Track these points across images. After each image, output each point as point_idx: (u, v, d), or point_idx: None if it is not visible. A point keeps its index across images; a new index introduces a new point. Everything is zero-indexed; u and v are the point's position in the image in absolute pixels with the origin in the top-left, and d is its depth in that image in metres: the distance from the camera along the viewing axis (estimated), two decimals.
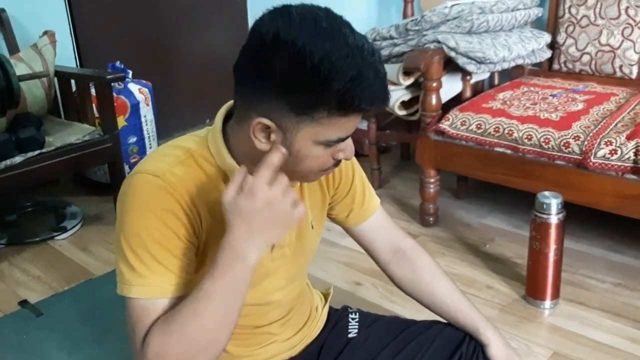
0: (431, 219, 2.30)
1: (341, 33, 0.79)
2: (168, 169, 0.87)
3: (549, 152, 1.88)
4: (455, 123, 2.09)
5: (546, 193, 1.70)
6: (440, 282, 1.15)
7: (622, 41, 2.30)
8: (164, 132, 2.82)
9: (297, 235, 1.02)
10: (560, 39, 2.45)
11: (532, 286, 1.78)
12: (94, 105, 2.43)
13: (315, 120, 0.81)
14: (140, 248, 0.84)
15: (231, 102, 0.98)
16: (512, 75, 2.58)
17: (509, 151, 1.98)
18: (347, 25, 0.82)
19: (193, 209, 0.87)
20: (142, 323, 0.83)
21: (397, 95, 2.28)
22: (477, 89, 2.50)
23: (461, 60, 2.13)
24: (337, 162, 0.90)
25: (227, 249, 0.80)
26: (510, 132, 1.96)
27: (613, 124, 1.87)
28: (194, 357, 0.81)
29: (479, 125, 2.03)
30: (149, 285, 0.84)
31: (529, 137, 1.92)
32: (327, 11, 0.82)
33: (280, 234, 0.83)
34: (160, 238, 0.84)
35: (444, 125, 2.10)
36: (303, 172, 0.89)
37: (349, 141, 0.88)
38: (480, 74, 2.35)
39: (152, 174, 0.86)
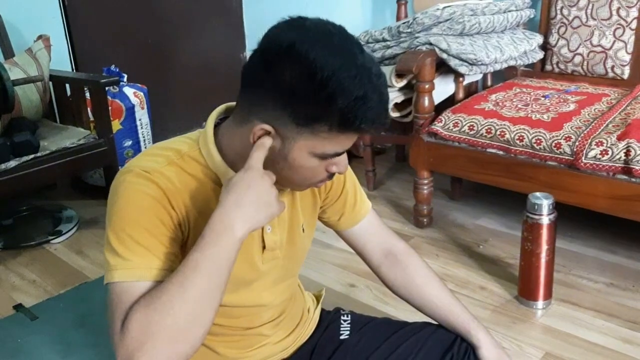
0: (425, 220, 2.31)
1: (352, 52, 0.82)
2: (158, 168, 0.87)
3: (540, 153, 1.89)
4: (447, 125, 2.10)
5: (537, 194, 1.72)
6: (431, 284, 1.16)
7: (614, 42, 2.31)
8: (160, 136, 2.82)
9: (288, 238, 1.03)
10: (552, 40, 2.46)
11: (525, 287, 1.79)
12: (89, 109, 2.44)
13: (314, 133, 0.83)
14: (124, 234, 0.83)
15: (224, 105, 0.99)
16: (505, 76, 2.59)
17: (501, 152, 1.99)
18: (358, 45, 0.84)
19: (181, 207, 0.87)
20: (122, 304, 0.79)
21: (390, 97, 2.28)
22: (471, 90, 2.51)
23: (453, 62, 2.14)
24: (330, 176, 0.92)
25: (216, 221, 0.80)
26: (502, 134, 1.97)
27: (604, 125, 1.88)
28: (179, 334, 0.75)
29: (471, 127, 2.04)
30: (132, 268, 0.82)
31: (521, 138, 1.93)
32: (341, 29, 0.84)
33: (263, 220, 0.83)
34: (147, 224, 0.84)
35: (437, 127, 2.11)
36: (295, 181, 0.91)
37: (344, 156, 0.90)
38: (472, 76, 2.36)
39: (142, 169, 0.87)
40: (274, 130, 0.84)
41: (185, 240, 0.90)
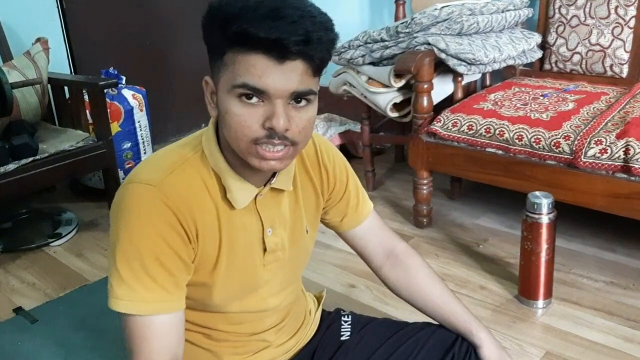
0: (425, 220, 2.31)
1: None
2: (163, 177, 0.87)
3: (539, 152, 1.89)
4: (446, 124, 2.10)
5: (537, 193, 1.71)
6: (432, 284, 1.16)
7: (612, 40, 2.31)
8: (159, 138, 2.83)
9: (291, 240, 1.02)
10: (551, 39, 2.46)
11: (525, 286, 1.79)
12: (87, 111, 2.43)
13: (224, 63, 0.81)
14: (136, 262, 0.84)
15: None
16: (503, 76, 2.59)
17: (500, 152, 1.99)
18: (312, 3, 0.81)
19: (188, 217, 0.87)
20: (147, 340, 0.84)
21: (389, 97, 2.29)
22: (470, 90, 2.51)
23: (452, 62, 2.14)
24: (270, 135, 0.82)
25: None
26: (501, 133, 1.97)
27: (603, 123, 1.88)
28: None
29: (470, 126, 2.04)
30: (140, 301, 0.84)
31: (520, 137, 1.93)
32: None
33: None
34: (158, 253, 0.84)
35: (436, 126, 2.11)
36: (231, 137, 0.84)
37: (278, 107, 0.80)
38: (471, 75, 2.36)
39: (146, 183, 0.86)
40: (211, 80, 0.87)
41: (195, 254, 0.90)
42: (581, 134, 1.83)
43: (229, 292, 0.96)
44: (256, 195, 0.94)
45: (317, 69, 0.82)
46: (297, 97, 0.82)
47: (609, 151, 1.76)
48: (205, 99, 0.89)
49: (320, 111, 3.16)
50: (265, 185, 0.95)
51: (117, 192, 0.89)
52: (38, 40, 2.50)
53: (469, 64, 2.16)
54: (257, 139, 0.82)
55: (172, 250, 0.86)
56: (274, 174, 0.95)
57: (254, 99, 0.80)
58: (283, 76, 0.79)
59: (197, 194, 0.89)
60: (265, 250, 0.98)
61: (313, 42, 0.77)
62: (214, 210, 0.91)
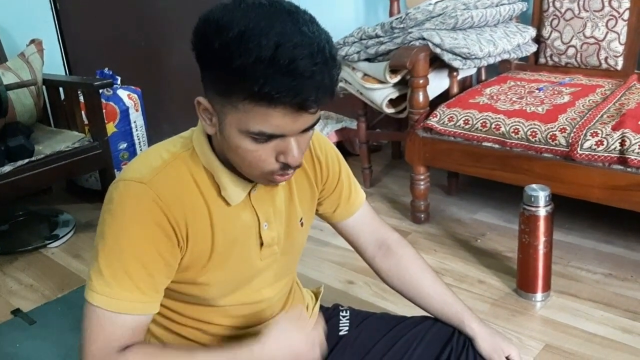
0: (422, 216, 2.31)
1: (276, 16, 0.75)
2: (154, 175, 0.87)
3: (536, 145, 1.89)
4: (442, 119, 2.10)
5: (534, 186, 1.71)
6: (424, 275, 1.16)
7: (607, 33, 2.31)
8: (155, 138, 2.79)
9: (287, 233, 1.02)
10: (546, 32, 2.46)
11: (523, 279, 1.79)
12: (83, 112, 2.43)
13: (235, 105, 0.78)
14: (116, 260, 0.84)
15: None
16: (499, 70, 2.59)
17: (496, 146, 1.99)
18: (311, 21, 0.78)
19: (178, 215, 0.87)
20: (105, 333, 0.84)
21: (385, 93, 2.29)
22: (465, 84, 2.51)
23: (447, 57, 2.14)
24: (284, 167, 0.84)
25: (252, 353, 0.87)
26: (498, 127, 1.97)
27: (599, 115, 1.88)
28: None
29: (466, 121, 2.04)
30: (116, 298, 0.84)
31: (516, 131, 1.93)
32: (289, 3, 0.79)
33: None
34: (141, 254, 0.84)
35: (432, 122, 2.11)
36: (244, 167, 0.85)
37: (292, 144, 0.81)
38: (466, 70, 2.36)
39: (137, 180, 0.86)
40: (209, 105, 0.83)
41: (182, 255, 0.90)
42: (577, 126, 1.83)
43: (225, 287, 0.96)
44: (250, 191, 0.94)
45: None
46: (307, 128, 0.83)
47: (605, 143, 1.76)
48: (199, 115, 0.86)
49: None
50: None
51: (108, 188, 0.89)
52: (32, 41, 2.50)
53: (464, 58, 2.16)
54: (272, 171, 0.84)
55: (157, 252, 0.85)
56: None
57: (268, 140, 0.81)
58: (299, 122, 0.80)
59: (188, 191, 0.89)
60: (262, 244, 0.98)
61: (328, 90, 0.78)
62: (205, 208, 0.90)
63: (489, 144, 2.01)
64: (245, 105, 0.77)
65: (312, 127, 0.83)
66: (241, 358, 0.87)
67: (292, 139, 0.81)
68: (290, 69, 0.73)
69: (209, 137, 0.91)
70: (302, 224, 1.06)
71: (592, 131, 1.79)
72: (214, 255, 0.92)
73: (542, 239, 1.70)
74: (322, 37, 0.77)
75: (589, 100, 2.04)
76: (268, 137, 0.80)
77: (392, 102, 2.33)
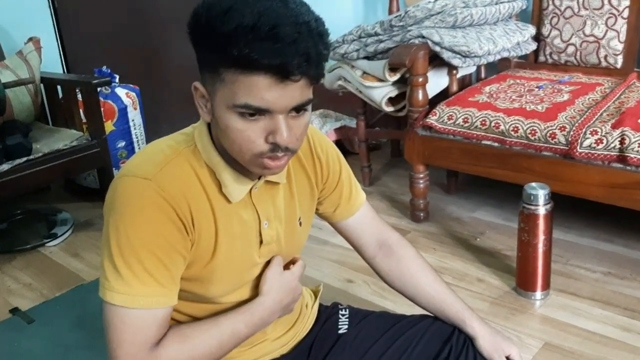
0: (422, 214, 2.30)
1: (280, 0, 0.77)
2: (157, 170, 0.86)
3: (535, 144, 1.89)
4: (442, 118, 2.09)
5: (533, 184, 1.71)
6: (425, 274, 1.16)
7: (606, 31, 2.31)
8: (154, 136, 2.77)
9: (286, 232, 1.02)
10: (545, 30, 2.46)
11: (523, 278, 1.79)
12: (81, 110, 2.42)
13: (222, 79, 0.79)
14: (132, 256, 0.84)
15: None
16: (498, 68, 2.59)
17: (496, 144, 1.99)
18: (302, 3, 0.79)
19: (185, 208, 0.87)
20: (132, 334, 0.84)
21: (384, 91, 2.28)
22: (465, 82, 2.50)
23: (446, 55, 2.14)
24: (274, 149, 0.83)
25: (268, 310, 0.97)
26: (497, 125, 1.97)
27: (598, 114, 1.88)
28: None
29: (465, 119, 2.04)
30: (136, 295, 0.84)
31: (516, 129, 1.93)
32: None
33: (290, 310, 1.05)
34: (155, 249, 0.84)
35: (431, 120, 2.11)
36: (235, 151, 0.85)
37: (280, 122, 0.81)
38: (466, 68, 2.36)
39: (141, 176, 0.85)
40: (203, 88, 0.84)
41: (192, 245, 0.90)
42: (577, 124, 1.83)
43: (226, 284, 0.96)
44: (251, 189, 0.94)
45: (315, 81, 0.82)
46: (298, 109, 0.82)
47: (604, 141, 1.75)
48: (196, 103, 0.88)
49: (315, 107, 3.14)
50: (259, 179, 0.95)
51: (110, 185, 0.88)
52: (30, 39, 2.49)
53: (463, 56, 2.16)
54: (262, 153, 0.83)
55: (169, 244, 0.85)
56: None
57: (256, 115, 0.81)
58: (285, 94, 0.79)
59: (191, 188, 0.89)
60: (261, 242, 0.98)
61: (313, 60, 0.78)
62: (208, 204, 0.90)
63: (489, 143, 2.01)
64: (230, 76, 0.78)
65: (302, 107, 0.82)
66: (257, 312, 0.95)
67: (280, 117, 0.81)
68: (271, 34, 0.74)
69: (211, 135, 0.91)
70: (300, 224, 1.06)
71: (591, 129, 1.79)
72: (217, 252, 0.92)
73: (541, 237, 1.70)
74: (311, 15, 0.79)
75: (588, 99, 2.04)
76: (254, 111, 0.80)
77: (392, 101, 2.33)
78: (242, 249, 0.96)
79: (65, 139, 2.32)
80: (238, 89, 0.78)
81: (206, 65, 0.82)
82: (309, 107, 0.86)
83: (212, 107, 0.84)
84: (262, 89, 0.77)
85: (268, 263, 1.02)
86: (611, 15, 2.30)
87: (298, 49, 0.76)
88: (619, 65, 2.33)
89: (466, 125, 2.03)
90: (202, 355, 0.90)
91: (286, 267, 1.05)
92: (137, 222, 0.84)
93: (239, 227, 0.94)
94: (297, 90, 0.80)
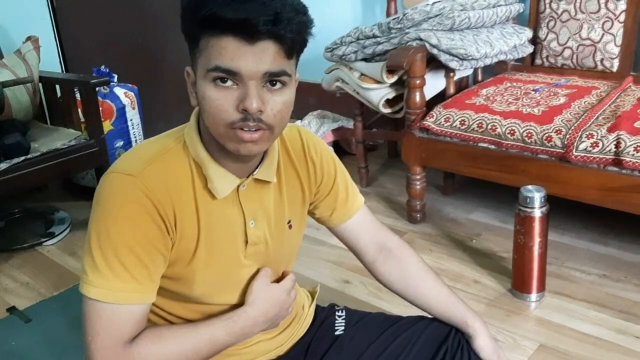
0: (418, 215, 2.31)
1: None
2: (143, 168, 0.87)
3: (531, 147, 1.90)
4: (439, 120, 2.10)
5: (529, 187, 1.72)
6: (426, 277, 1.16)
7: (603, 35, 2.32)
8: (152, 135, 2.78)
9: (271, 233, 1.01)
10: (542, 34, 2.47)
11: (518, 280, 1.80)
12: (79, 110, 2.42)
13: (200, 49, 0.82)
14: (110, 251, 0.84)
15: None
16: (495, 71, 2.60)
17: (492, 146, 2.00)
18: None
19: (167, 207, 0.88)
20: (107, 328, 0.85)
21: (382, 93, 2.29)
22: (462, 85, 2.52)
23: (443, 57, 2.15)
24: (245, 118, 0.82)
25: (251, 321, 0.97)
26: (494, 128, 1.98)
27: (594, 117, 1.89)
28: None
29: (462, 122, 2.05)
30: (111, 290, 0.84)
31: (512, 132, 1.94)
32: None
33: (276, 324, 1.05)
34: (134, 245, 0.85)
35: (428, 122, 2.12)
36: (210, 123, 0.85)
37: (251, 88, 0.81)
38: (463, 71, 2.37)
39: (127, 173, 0.87)
40: (191, 70, 0.87)
41: (172, 243, 0.90)
42: (573, 128, 1.84)
43: (210, 284, 0.96)
44: (239, 187, 0.94)
45: (289, 51, 0.82)
46: (271, 78, 0.82)
47: (600, 145, 1.77)
48: (188, 89, 0.89)
49: (313, 108, 3.15)
50: (248, 177, 0.95)
51: (99, 181, 0.90)
52: (29, 38, 2.49)
53: (460, 59, 2.17)
54: (233, 122, 0.83)
55: (149, 242, 0.86)
56: (257, 166, 0.95)
57: (229, 82, 0.81)
58: (254, 57, 0.79)
59: (176, 184, 0.89)
60: (247, 242, 0.98)
61: (282, 22, 0.78)
62: (193, 201, 0.91)
63: (485, 145, 2.02)
64: (204, 42, 0.81)
65: (275, 77, 0.82)
66: (239, 320, 0.95)
67: (251, 83, 0.81)
68: None
69: (200, 129, 0.92)
70: (290, 226, 1.05)
71: (587, 133, 1.80)
72: (199, 250, 0.92)
73: (537, 239, 1.71)
74: None
75: (584, 102, 2.05)
76: (225, 75, 0.80)
77: (389, 102, 2.34)
78: (226, 248, 0.95)
79: (63, 138, 2.32)
80: (210, 54, 0.80)
81: (189, 40, 0.84)
82: (288, 84, 0.85)
83: (196, 84, 0.85)
84: (230, 50, 0.79)
85: (257, 266, 1.02)
86: (608, 19, 2.31)
87: (266, 9, 0.77)
88: (615, 69, 2.35)
89: (463, 127, 2.05)
90: (176, 357, 0.89)
91: (277, 281, 1.05)
92: (118, 218, 0.85)
93: (223, 225, 0.94)
94: (268, 56, 0.80)
